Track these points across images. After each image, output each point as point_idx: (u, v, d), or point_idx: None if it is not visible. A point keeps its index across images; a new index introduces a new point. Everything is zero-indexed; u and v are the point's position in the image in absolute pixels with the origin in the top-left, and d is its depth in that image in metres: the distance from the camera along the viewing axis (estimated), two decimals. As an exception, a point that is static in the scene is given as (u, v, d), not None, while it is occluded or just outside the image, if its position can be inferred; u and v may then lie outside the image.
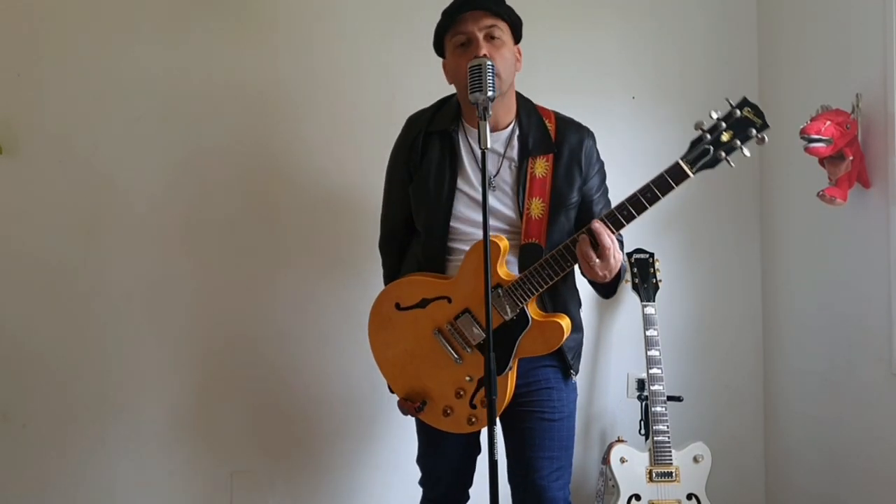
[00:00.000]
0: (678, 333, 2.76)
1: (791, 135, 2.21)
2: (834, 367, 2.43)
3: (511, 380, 1.86)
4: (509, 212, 1.91)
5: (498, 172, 1.92)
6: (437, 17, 1.94)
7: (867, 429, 2.28)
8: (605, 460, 2.51)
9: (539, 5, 2.73)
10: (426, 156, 1.95)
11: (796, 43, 2.63)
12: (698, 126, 1.72)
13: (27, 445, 2.56)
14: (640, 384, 2.65)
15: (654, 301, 2.56)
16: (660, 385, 2.48)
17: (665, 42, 2.79)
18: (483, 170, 1.66)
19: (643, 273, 2.60)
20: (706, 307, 2.80)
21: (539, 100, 2.04)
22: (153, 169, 2.61)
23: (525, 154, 1.91)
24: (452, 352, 1.89)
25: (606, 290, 1.94)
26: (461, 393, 1.89)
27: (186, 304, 2.62)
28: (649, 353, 2.50)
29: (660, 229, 2.76)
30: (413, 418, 2.00)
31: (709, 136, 1.71)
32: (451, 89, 2.00)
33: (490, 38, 1.86)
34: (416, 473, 2.14)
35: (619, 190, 2.15)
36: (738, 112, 1.70)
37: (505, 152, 1.93)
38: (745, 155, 1.71)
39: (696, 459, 2.47)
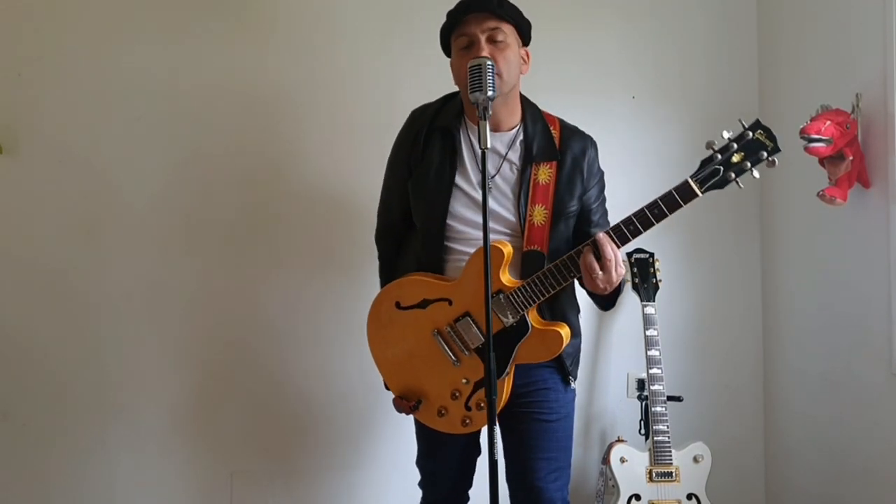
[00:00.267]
0: (678, 333, 2.76)
1: (791, 135, 2.21)
2: (834, 367, 2.43)
3: (507, 384, 1.87)
4: (508, 215, 1.91)
5: (497, 173, 1.91)
6: (437, 18, 1.94)
7: (867, 429, 2.28)
8: (605, 460, 2.51)
9: (539, 5, 2.71)
10: (427, 151, 1.94)
11: (796, 43, 2.63)
12: (709, 145, 1.73)
13: (27, 445, 2.56)
14: (640, 384, 2.65)
15: (654, 301, 2.56)
16: (660, 385, 2.47)
17: (665, 42, 2.79)
18: (483, 170, 1.66)
19: (643, 273, 2.60)
20: (706, 307, 2.80)
21: (539, 99, 2.04)
22: (153, 169, 2.61)
23: (529, 160, 1.91)
24: (451, 354, 1.89)
25: (605, 301, 1.94)
26: (457, 394, 1.90)
27: (186, 304, 2.62)
28: (649, 352, 2.50)
29: (660, 229, 2.71)
30: (413, 419, 2.01)
31: (720, 157, 1.72)
32: (451, 88, 2.00)
33: (493, 40, 1.86)
34: (416, 473, 2.14)
35: (618, 190, 2.16)
36: (751, 134, 1.71)
37: (506, 154, 1.92)
38: (754, 177, 1.72)
39: (696, 459, 2.47)
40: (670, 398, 2.50)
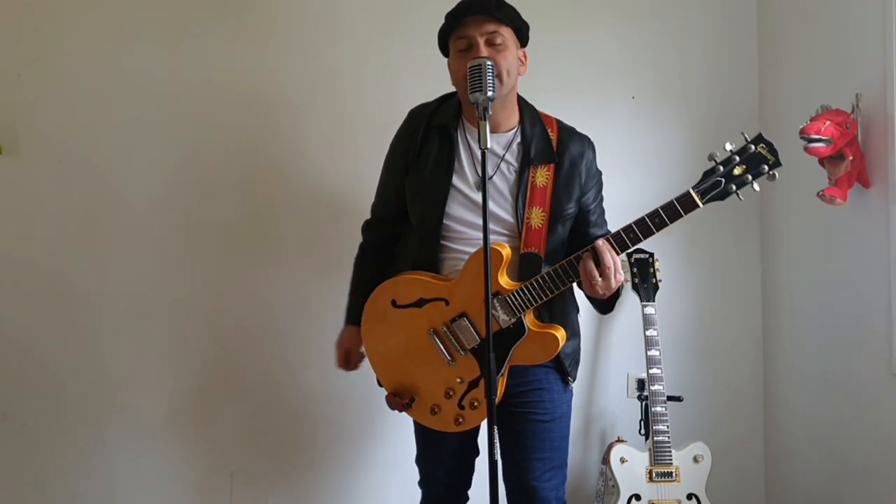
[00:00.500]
0: (678, 333, 2.76)
1: (791, 135, 2.21)
2: (834, 367, 2.43)
3: (500, 385, 1.86)
4: (506, 215, 1.91)
5: (494, 174, 1.91)
6: (438, 18, 1.93)
7: (867, 429, 2.28)
8: (605, 460, 2.51)
9: (539, 5, 2.72)
10: (424, 149, 1.95)
11: (796, 43, 2.62)
12: (712, 157, 1.74)
13: (27, 445, 2.56)
14: (640, 384, 2.65)
15: (654, 301, 2.56)
16: (660, 385, 2.48)
17: (665, 42, 2.79)
18: (483, 170, 1.66)
19: (643, 273, 2.60)
20: (706, 307, 2.80)
21: (539, 99, 2.04)
22: (153, 169, 2.61)
23: (527, 162, 1.91)
24: (446, 353, 1.89)
25: (604, 306, 1.93)
26: (450, 393, 1.90)
27: (186, 304, 2.62)
28: (649, 353, 2.50)
29: (660, 229, 2.76)
30: (412, 419, 2.00)
31: (721, 169, 1.73)
32: (451, 88, 2.00)
33: (491, 43, 1.86)
34: (416, 473, 2.14)
35: (618, 190, 2.16)
36: (753, 147, 1.72)
37: (504, 155, 1.92)
38: (754, 189, 1.73)
39: (696, 459, 2.47)
40: (670, 398, 2.50)
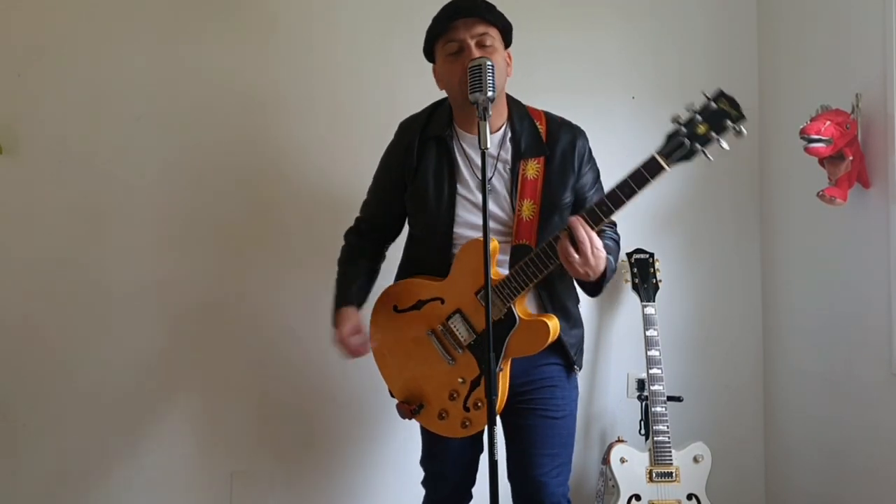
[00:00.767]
0: (678, 333, 2.76)
1: (791, 135, 2.21)
2: (834, 367, 2.43)
3: (504, 381, 1.86)
4: (501, 212, 1.91)
5: (493, 174, 1.92)
6: (438, 17, 1.94)
7: (867, 429, 2.28)
8: (605, 460, 2.51)
9: (539, 5, 2.73)
10: (423, 161, 1.94)
11: (796, 43, 2.62)
12: (674, 119, 1.70)
13: (27, 445, 2.56)
14: (640, 384, 2.65)
15: (654, 301, 2.57)
16: (660, 385, 2.48)
17: (665, 42, 2.79)
18: (483, 170, 1.67)
19: (643, 273, 2.60)
20: (706, 307, 2.80)
21: (539, 99, 2.04)
22: (153, 169, 2.61)
23: (518, 156, 1.91)
24: (445, 353, 1.90)
25: (592, 287, 1.91)
26: (454, 395, 1.90)
27: (186, 304, 2.62)
28: (649, 353, 2.50)
29: (660, 229, 2.76)
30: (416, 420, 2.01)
31: (684, 130, 1.69)
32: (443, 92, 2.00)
33: (481, 45, 1.86)
34: (416, 473, 2.14)
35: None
36: (714, 104, 1.68)
37: (498, 155, 1.93)
38: (723, 148, 1.68)
39: (696, 459, 2.47)
40: (670, 398, 2.50)
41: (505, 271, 1.86)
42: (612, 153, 2.13)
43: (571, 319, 1.97)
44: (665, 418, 2.45)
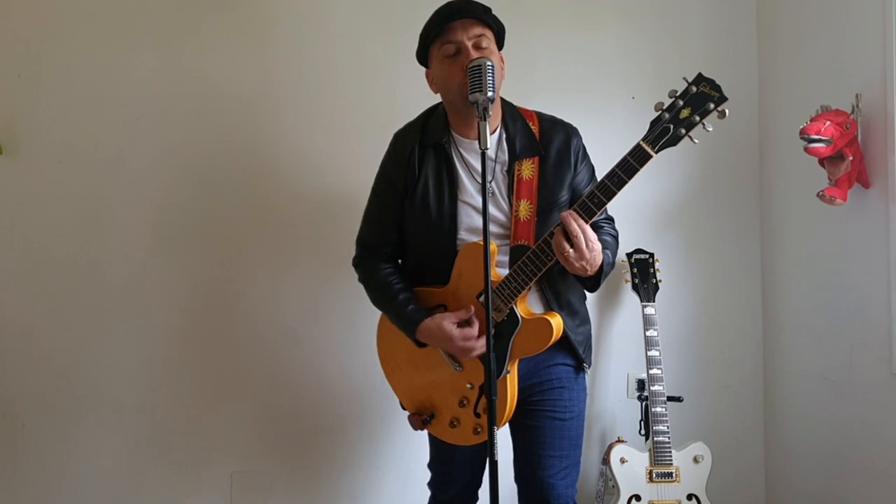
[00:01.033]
0: (678, 333, 2.76)
1: (791, 135, 2.21)
2: (834, 367, 2.43)
3: (512, 383, 1.86)
4: (502, 215, 1.90)
5: (493, 178, 1.91)
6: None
7: (867, 429, 2.28)
8: (606, 460, 2.51)
9: (539, 5, 2.73)
10: (423, 170, 1.92)
11: (796, 43, 2.62)
12: (658, 107, 1.72)
13: (27, 445, 2.56)
14: (641, 384, 2.65)
15: (654, 301, 2.57)
16: (660, 385, 2.48)
17: (665, 42, 2.79)
18: (483, 171, 1.66)
19: (643, 273, 2.60)
20: (706, 307, 2.80)
21: (539, 99, 2.04)
22: (153, 169, 2.61)
23: (513, 157, 1.91)
24: (452, 360, 1.90)
25: (589, 283, 1.90)
26: (465, 402, 1.90)
27: (186, 304, 2.62)
28: (649, 353, 2.50)
29: (660, 229, 2.76)
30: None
31: (667, 115, 1.71)
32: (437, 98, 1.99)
33: (478, 46, 1.85)
34: (416, 473, 2.14)
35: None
36: (695, 88, 1.69)
37: (496, 157, 1.92)
38: (707, 130, 1.70)
39: (696, 460, 2.47)
40: (670, 398, 2.50)
41: (505, 272, 1.86)
42: (612, 153, 2.12)
43: (578, 317, 1.96)
44: (665, 418, 2.45)
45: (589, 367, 2.00)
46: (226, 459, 2.64)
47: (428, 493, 2.14)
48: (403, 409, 2.04)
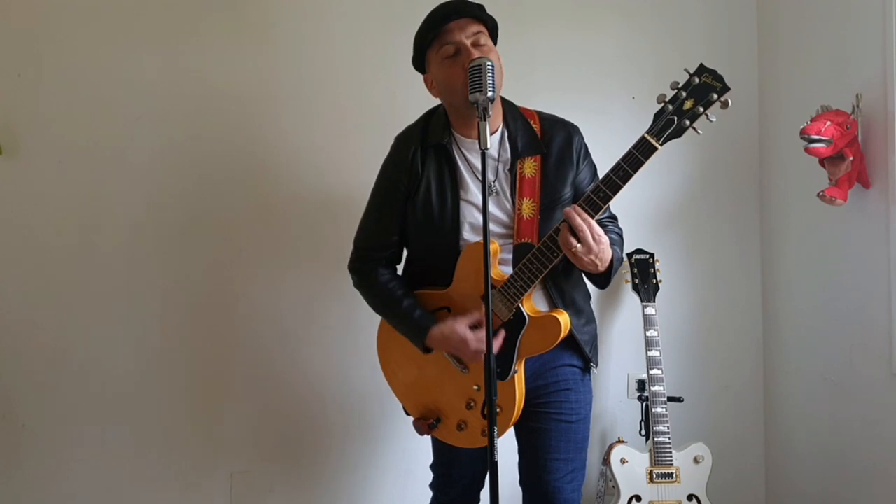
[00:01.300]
0: (678, 334, 2.76)
1: (791, 135, 2.21)
2: (834, 367, 2.43)
3: (519, 384, 1.85)
4: (505, 215, 1.90)
5: (496, 178, 1.91)
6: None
7: (867, 429, 2.28)
8: (606, 461, 2.51)
9: (539, 5, 2.73)
10: (426, 171, 1.91)
11: (796, 43, 2.62)
12: (660, 99, 1.71)
13: (27, 445, 2.56)
14: (641, 385, 2.65)
15: (654, 301, 2.56)
16: (660, 386, 2.47)
17: (665, 42, 2.79)
18: (483, 171, 1.66)
19: (643, 273, 2.60)
20: (706, 307, 2.80)
21: (539, 99, 2.04)
22: (153, 169, 2.61)
23: (515, 156, 1.90)
24: (457, 362, 1.89)
25: (600, 279, 1.89)
26: (472, 404, 1.89)
27: (186, 304, 2.62)
28: (650, 353, 2.50)
29: (660, 229, 2.76)
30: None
31: (671, 107, 1.70)
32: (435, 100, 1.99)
33: (477, 45, 1.84)
34: (416, 474, 2.14)
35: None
36: (697, 79, 1.69)
37: (499, 157, 1.92)
38: (710, 121, 1.69)
39: (696, 460, 2.47)
40: (671, 399, 2.50)
41: (510, 271, 1.86)
42: (612, 153, 2.12)
43: (584, 316, 1.95)
44: (665, 419, 2.45)
45: (596, 366, 1.98)
46: (226, 460, 2.64)
47: (429, 493, 2.14)
48: (407, 414, 2.03)
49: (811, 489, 2.56)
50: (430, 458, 2.14)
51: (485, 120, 1.64)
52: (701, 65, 1.71)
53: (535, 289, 1.84)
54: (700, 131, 1.70)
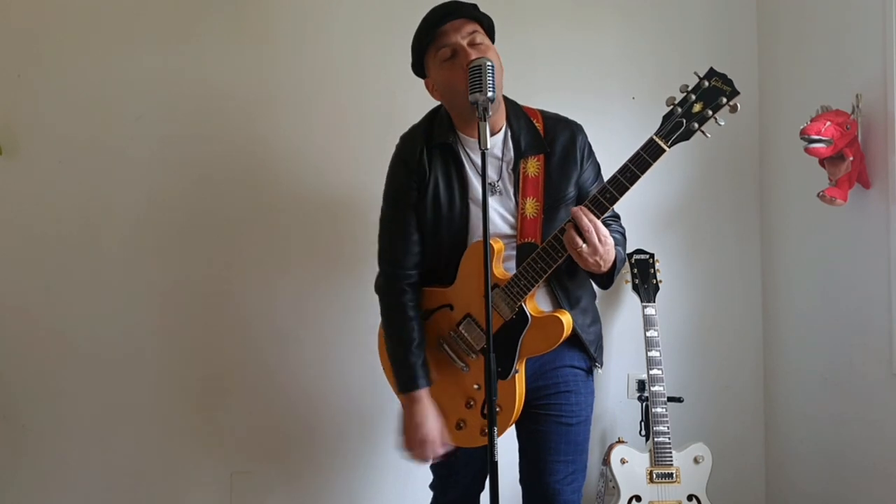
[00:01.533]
0: (678, 334, 2.76)
1: (791, 135, 2.21)
2: (834, 367, 2.43)
3: (519, 383, 1.85)
4: (510, 215, 1.89)
5: (500, 177, 1.90)
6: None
7: (867, 429, 2.28)
8: (606, 461, 2.51)
9: (539, 5, 2.73)
10: (432, 171, 1.89)
11: (796, 43, 2.62)
12: (669, 101, 1.72)
13: (27, 446, 2.56)
14: (641, 385, 2.65)
15: (654, 302, 2.56)
16: (660, 386, 2.47)
17: (665, 42, 2.78)
18: (483, 171, 1.66)
19: (643, 273, 2.60)
20: (706, 307, 2.80)
21: (539, 99, 2.03)
22: (153, 169, 2.62)
23: (519, 155, 1.90)
24: (458, 360, 1.89)
25: (603, 279, 1.89)
26: (471, 403, 1.89)
27: (186, 304, 2.62)
28: (650, 353, 2.50)
29: (660, 229, 2.76)
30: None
31: (680, 110, 1.71)
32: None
33: (473, 44, 1.83)
34: (416, 474, 2.14)
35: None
36: (707, 83, 1.70)
37: (503, 156, 1.91)
38: (719, 124, 1.70)
39: (696, 460, 2.47)
40: (671, 399, 2.50)
41: (514, 270, 1.85)
42: (612, 153, 2.13)
43: (588, 315, 1.94)
44: (665, 419, 2.45)
45: (601, 366, 1.98)
46: (226, 460, 2.64)
47: (429, 493, 2.13)
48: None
49: (811, 489, 2.56)
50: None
51: (484, 120, 1.63)
52: (711, 68, 1.71)
53: (538, 288, 1.84)
54: (708, 134, 1.71)
